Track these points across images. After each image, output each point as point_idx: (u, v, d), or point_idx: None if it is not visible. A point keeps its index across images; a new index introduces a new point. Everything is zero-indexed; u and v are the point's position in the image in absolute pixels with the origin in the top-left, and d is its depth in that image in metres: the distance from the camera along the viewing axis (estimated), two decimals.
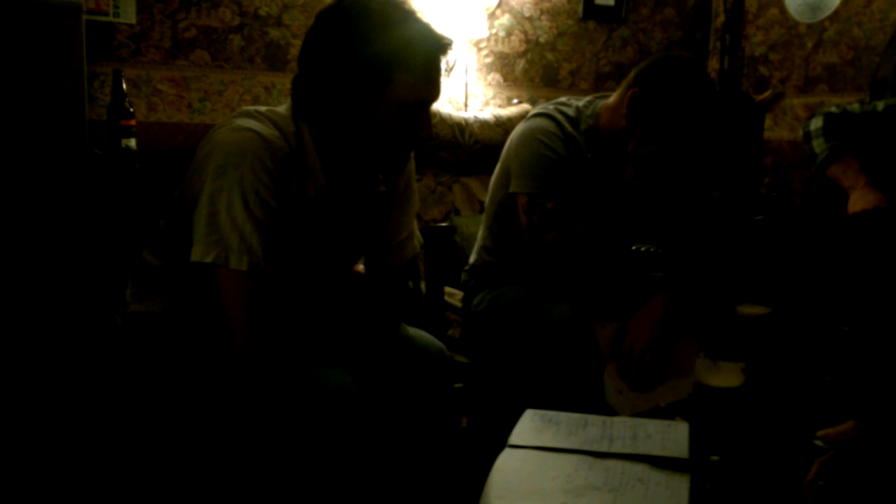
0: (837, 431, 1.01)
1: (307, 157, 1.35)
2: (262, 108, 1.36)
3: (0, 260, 1.78)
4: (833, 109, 2.30)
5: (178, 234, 1.32)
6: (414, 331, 1.54)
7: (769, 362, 1.55)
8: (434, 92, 1.34)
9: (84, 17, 2.08)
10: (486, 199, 2.06)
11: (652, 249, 1.94)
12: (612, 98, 1.83)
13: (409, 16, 1.31)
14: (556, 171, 1.81)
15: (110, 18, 2.58)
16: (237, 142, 1.27)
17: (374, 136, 1.33)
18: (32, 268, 1.81)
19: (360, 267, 1.64)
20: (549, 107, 1.92)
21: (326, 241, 1.45)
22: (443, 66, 1.34)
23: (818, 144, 2.27)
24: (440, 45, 1.31)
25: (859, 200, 2.14)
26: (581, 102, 1.89)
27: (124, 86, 2.30)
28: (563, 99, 1.94)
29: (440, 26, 1.34)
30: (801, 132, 2.36)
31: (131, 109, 2.30)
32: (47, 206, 1.88)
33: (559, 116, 1.86)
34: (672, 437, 1.27)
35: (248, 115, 1.33)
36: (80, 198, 1.89)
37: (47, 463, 1.53)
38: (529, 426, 1.30)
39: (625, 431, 1.29)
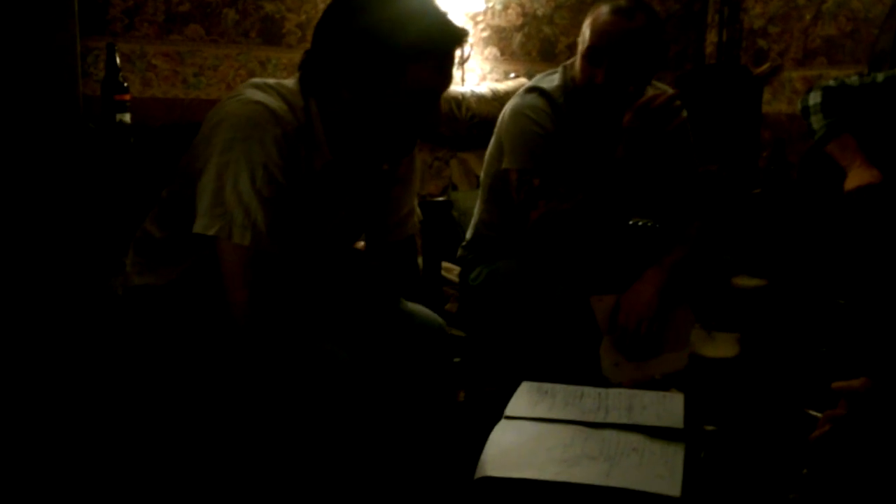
0: (851, 385, 1.02)
1: (314, 132, 1.35)
2: (271, 81, 1.36)
3: None
4: (831, 83, 2.29)
5: (182, 204, 1.32)
6: (413, 306, 1.55)
7: (764, 334, 1.56)
8: (446, 82, 1.35)
9: None
10: (482, 174, 2.06)
11: (649, 224, 1.94)
12: None
13: (429, 4, 1.32)
14: (545, 146, 1.81)
15: None
16: (247, 115, 1.26)
17: (384, 121, 1.33)
18: (28, 242, 1.81)
19: (361, 244, 1.64)
20: (538, 79, 1.92)
21: (330, 217, 1.45)
22: (457, 55, 1.34)
23: (816, 121, 2.26)
24: (456, 38, 1.32)
25: (855, 178, 2.15)
26: (569, 62, 1.89)
27: (118, 60, 2.28)
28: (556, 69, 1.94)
29: (441, 3, 1.34)
30: (799, 106, 2.35)
31: (125, 84, 2.28)
32: (42, 182, 1.87)
33: (548, 88, 1.85)
34: (667, 407, 1.28)
35: (258, 87, 1.33)
36: (74, 173, 1.88)
37: (46, 436, 1.54)
38: (526, 398, 1.31)
39: (620, 402, 1.30)
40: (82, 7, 2.22)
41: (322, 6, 2.97)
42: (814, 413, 1.20)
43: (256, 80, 1.36)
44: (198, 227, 1.26)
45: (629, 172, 1.77)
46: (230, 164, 1.24)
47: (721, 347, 1.29)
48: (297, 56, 1.43)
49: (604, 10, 1.75)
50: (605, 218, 1.85)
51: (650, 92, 1.88)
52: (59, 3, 2.03)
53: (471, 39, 1.38)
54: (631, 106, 1.73)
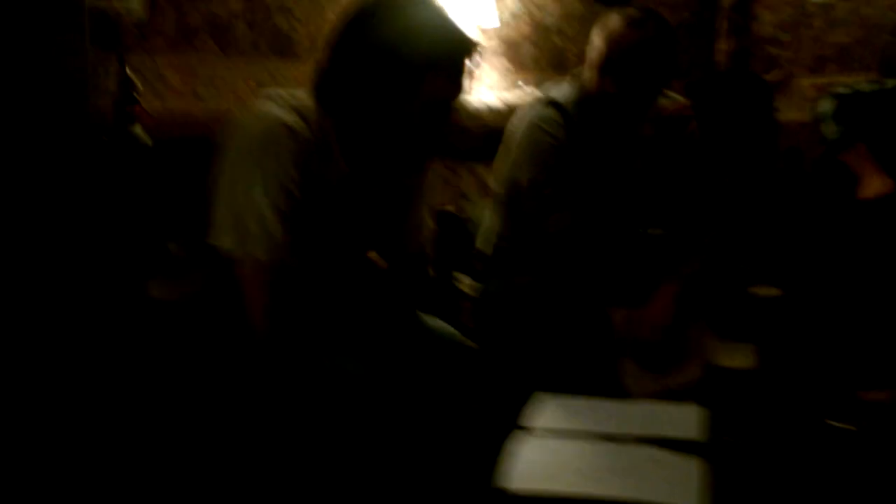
0: (878, 396, 1.01)
1: (330, 145, 1.36)
2: (285, 93, 1.36)
3: (10, 247, 1.79)
4: (843, 90, 2.28)
5: (200, 219, 1.32)
6: (429, 318, 1.55)
7: (781, 344, 1.55)
8: (459, 91, 1.36)
9: (87, 3, 2.08)
10: (494, 185, 2.06)
11: (663, 233, 1.94)
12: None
13: (442, 16, 1.33)
14: (557, 157, 1.81)
15: (115, 7, 2.57)
16: (262, 129, 1.27)
17: (398, 132, 1.34)
18: (40, 257, 1.82)
19: (375, 255, 1.64)
20: (549, 89, 1.92)
21: (346, 230, 1.45)
22: (469, 66, 1.35)
23: (828, 128, 2.25)
24: (468, 48, 1.34)
25: (869, 186, 2.14)
26: (579, 73, 1.89)
27: (130, 74, 2.29)
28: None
29: (452, 13, 1.35)
30: (810, 113, 2.34)
31: (138, 97, 2.30)
32: (55, 196, 1.88)
33: (559, 98, 1.85)
34: (686, 419, 1.27)
35: (272, 100, 1.33)
36: (87, 185, 1.89)
37: (67, 445, 1.54)
38: (544, 411, 1.31)
39: (639, 414, 1.29)
40: (94, 21, 2.23)
41: (331, 17, 2.99)
42: (835, 424, 1.19)
43: (271, 91, 1.36)
44: (214, 241, 1.26)
45: (645, 183, 1.77)
46: (244, 178, 1.25)
47: (738, 358, 1.28)
48: (307, 67, 1.44)
49: (616, 20, 1.74)
50: (620, 228, 1.84)
51: (663, 101, 1.88)
52: (71, 18, 2.04)
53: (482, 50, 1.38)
54: (646, 116, 1.73)
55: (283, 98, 1.34)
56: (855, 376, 1.46)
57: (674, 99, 1.93)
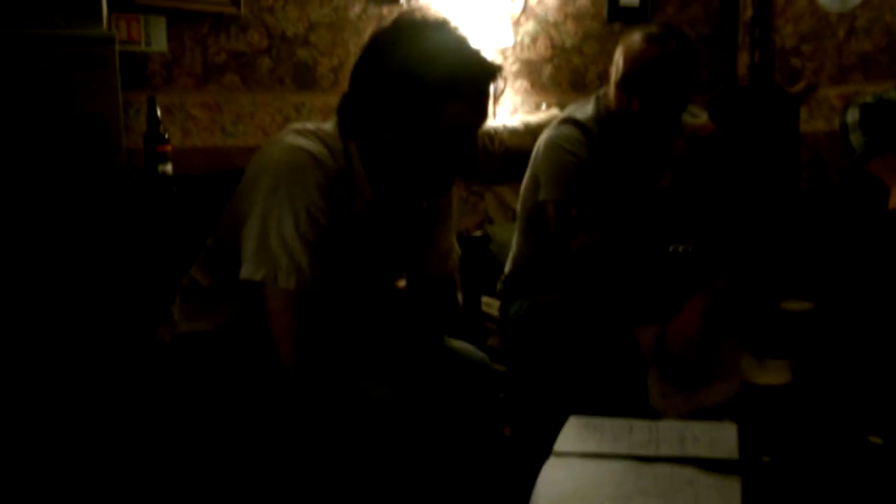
0: None
1: (354, 174, 1.37)
2: (310, 126, 1.38)
3: (42, 285, 1.83)
4: (868, 99, 2.26)
5: (228, 251, 1.35)
6: (456, 342, 1.55)
7: (816, 358, 1.52)
8: (483, 117, 1.37)
9: (117, 47, 2.13)
10: (518, 207, 2.06)
11: (690, 249, 1.92)
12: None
13: (462, 42, 1.34)
14: (581, 176, 1.81)
15: (142, 48, 2.64)
16: (288, 160, 1.29)
17: (422, 158, 1.35)
18: (74, 295, 1.85)
19: (402, 283, 1.65)
20: (571, 110, 1.93)
21: (371, 256, 1.47)
22: (491, 90, 1.36)
23: (855, 138, 2.23)
24: (488, 73, 1.34)
25: None
26: (601, 92, 1.90)
27: (159, 112, 2.34)
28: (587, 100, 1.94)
29: (472, 39, 1.36)
30: (835, 123, 2.32)
31: (166, 135, 2.34)
32: (88, 234, 1.92)
33: (582, 118, 1.86)
34: (721, 438, 1.25)
35: (298, 133, 1.35)
36: (120, 224, 1.93)
37: (94, 483, 1.56)
38: (574, 433, 1.29)
39: (672, 434, 1.27)
40: (123, 62, 2.29)
41: (353, 49, 3.03)
42: (877, 440, 1.16)
43: (296, 125, 1.38)
44: (244, 273, 1.28)
45: (674, 200, 1.76)
46: (274, 210, 1.26)
47: (772, 374, 1.26)
48: (330, 99, 1.46)
49: (636, 38, 1.75)
50: (647, 246, 1.83)
51: (687, 118, 1.88)
52: (101, 60, 2.10)
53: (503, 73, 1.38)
54: (671, 133, 1.73)
55: (308, 130, 1.36)
56: (893, 390, 1.43)
57: (699, 116, 1.93)
